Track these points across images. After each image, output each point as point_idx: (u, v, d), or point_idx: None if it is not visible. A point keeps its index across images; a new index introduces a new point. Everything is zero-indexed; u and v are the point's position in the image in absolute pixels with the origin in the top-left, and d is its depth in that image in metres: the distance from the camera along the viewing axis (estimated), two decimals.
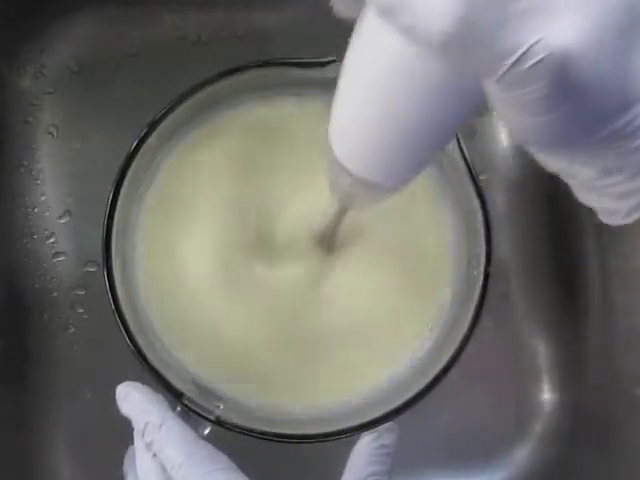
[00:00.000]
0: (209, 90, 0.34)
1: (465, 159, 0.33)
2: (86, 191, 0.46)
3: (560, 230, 0.48)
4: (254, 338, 0.36)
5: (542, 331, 0.48)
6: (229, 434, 0.32)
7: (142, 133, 0.34)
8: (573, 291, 0.48)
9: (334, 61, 0.33)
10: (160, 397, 0.32)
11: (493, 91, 0.19)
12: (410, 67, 0.20)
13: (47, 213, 0.46)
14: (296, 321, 0.37)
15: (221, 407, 0.33)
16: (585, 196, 0.24)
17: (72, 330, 0.46)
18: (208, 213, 0.37)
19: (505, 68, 0.17)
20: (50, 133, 0.47)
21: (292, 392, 0.36)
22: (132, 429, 0.32)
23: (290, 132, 0.37)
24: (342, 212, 0.32)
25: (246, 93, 0.37)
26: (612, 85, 0.18)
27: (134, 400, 0.32)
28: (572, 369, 0.48)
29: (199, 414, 0.32)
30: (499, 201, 0.48)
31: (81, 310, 0.46)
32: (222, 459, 0.31)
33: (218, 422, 0.32)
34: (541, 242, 0.48)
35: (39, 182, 0.47)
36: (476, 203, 0.34)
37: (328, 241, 0.36)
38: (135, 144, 0.33)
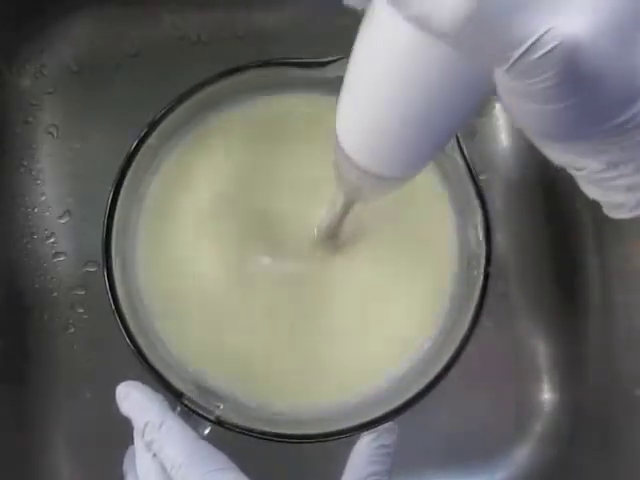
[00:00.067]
0: (209, 90, 0.34)
1: (465, 159, 0.33)
2: (86, 191, 0.46)
3: (560, 230, 0.48)
4: (254, 338, 0.36)
5: (542, 331, 0.48)
6: (229, 434, 0.32)
7: (142, 133, 0.34)
8: (573, 291, 0.48)
9: (334, 61, 0.33)
10: (160, 397, 0.32)
11: (503, 80, 0.19)
12: (420, 56, 0.20)
13: (47, 213, 0.46)
14: (297, 321, 0.37)
15: (221, 407, 0.33)
16: (591, 189, 0.24)
17: (72, 330, 0.46)
18: (209, 213, 0.37)
19: (515, 57, 0.17)
20: (50, 133, 0.47)
21: (292, 392, 0.36)
22: (132, 429, 0.33)
23: (290, 132, 0.37)
24: (348, 206, 0.32)
25: (246, 93, 0.37)
26: (621, 77, 0.18)
27: (134, 400, 0.32)
28: (572, 369, 0.48)
29: (199, 414, 0.32)
30: (499, 201, 0.48)
31: (81, 310, 0.46)
32: (222, 459, 0.31)
33: (218, 422, 0.32)
34: (541, 242, 0.48)
35: (39, 182, 0.47)
36: (476, 203, 0.34)
37: (332, 238, 0.36)
38: (135, 144, 0.33)
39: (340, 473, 0.33)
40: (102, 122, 0.47)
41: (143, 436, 0.31)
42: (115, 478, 0.34)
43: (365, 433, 0.33)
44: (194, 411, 0.32)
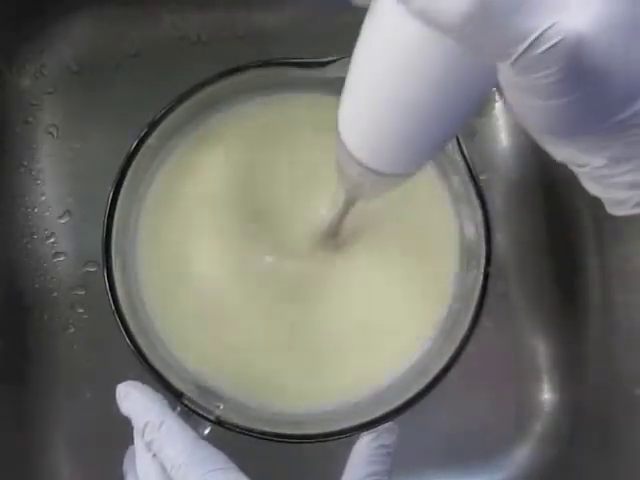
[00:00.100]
0: (209, 90, 0.34)
1: (465, 159, 0.33)
2: (86, 191, 0.46)
3: (560, 230, 0.48)
4: (254, 337, 0.36)
5: (542, 331, 0.48)
6: (229, 434, 0.32)
7: (142, 133, 0.34)
8: (573, 291, 0.48)
9: (334, 61, 0.33)
10: (160, 397, 0.32)
11: (506, 75, 0.19)
12: (424, 52, 0.20)
13: (47, 213, 0.46)
14: (297, 321, 0.37)
15: (221, 407, 0.33)
16: (592, 186, 0.24)
17: (72, 330, 0.46)
18: (209, 213, 0.37)
19: (519, 52, 0.17)
20: (50, 133, 0.47)
21: (292, 392, 0.36)
22: (132, 429, 0.33)
23: (290, 131, 0.37)
24: (349, 203, 0.32)
25: (246, 93, 0.37)
26: (624, 73, 0.18)
27: (134, 399, 0.32)
28: (572, 369, 0.48)
29: (199, 414, 0.32)
30: (499, 201, 0.48)
31: (81, 310, 0.46)
32: (222, 459, 0.31)
33: (218, 422, 0.32)
34: (541, 242, 0.48)
35: (39, 182, 0.47)
36: (476, 203, 0.34)
37: (332, 236, 0.36)
38: (135, 144, 0.33)
39: (340, 473, 0.33)
40: (102, 122, 0.47)
41: (143, 436, 0.31)
42: (115, 478, 0.34)
43: (365, 433, 0.33)
44: (194, 411, 0.32)
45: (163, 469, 0.31)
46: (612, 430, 0.45)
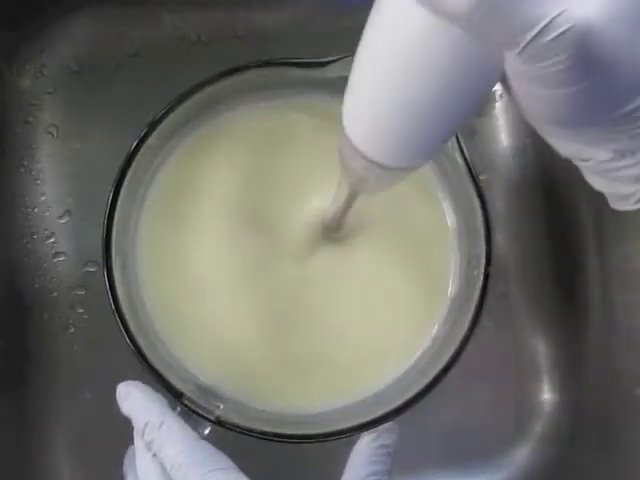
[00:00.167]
0: (209, 90, 0.34)
1: (465, 159, 0.33)
2: (86, 191, 0.46)
3: (560, 230, 0.48)
4: (255, 338, 0.36)
5: (542, 331, 0.48)
6: (229, 434, 0.32)
7: (142, 133, 0.34)
8: (573, 291, 0.48)
9: (334, 61, 0.33)
10: (160, 397, 0.32)
11: (513, 64, 0.19)
12: (432, 41, 0.20)
13: (47, 213, 0.46)
14: (297, 321, 0.37)
15: (221, 407, 0.33)
16: (596, 180, 0.24)
17: (72, 330, 0.46)
18: (209, 213, 0.37)
19: (527, 40, 0.17)
20: (50, 133, 0.47)
21: (292, 392, 0.36)
22: (132, 429, 0.32)
23: (291, 131, 0.37)
24: (352, 197, 0.32)
25: (246, 93, 0.37)
26: (632, 63, 0.18)
27: (134, 399, 0.32)
28: (572, 369, 0.48)
29: (199, 414, 0.32)
30: (499, 201, 0.48)
31: (81, 310, 0.46)
32: (222, 459, 0.31)
33: (218, 422, 0.32)
34: (541, 242, 0.48)
35: (39, 182, 0.47)
36: (476, 203, 0.34)
37: (335, 230, 0.36)
38: (135, 144, 0.33)
39: (340, 473, 0.33)
40: (102, 122, 0.47)
41: (143, 436, 0.31)
42: (115, 478, 0.34)
43: (365, 433, 0.33)
44: (194, 411, 0.32)
45: (163, 469, 0.31)
46: (612, 430, 0.45)
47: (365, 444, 0.33)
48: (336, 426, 0.33)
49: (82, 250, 0.46)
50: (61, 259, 0.46)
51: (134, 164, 0.34)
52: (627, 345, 0.44)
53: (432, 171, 0.37)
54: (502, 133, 0.49)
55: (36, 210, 0.46)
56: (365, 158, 0.25)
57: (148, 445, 0.31)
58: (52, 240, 0.46)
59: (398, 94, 0.22)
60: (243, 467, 0.31)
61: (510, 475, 0.48)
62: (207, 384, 0.35)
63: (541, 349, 0.48)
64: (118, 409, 0.33)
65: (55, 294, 0.46)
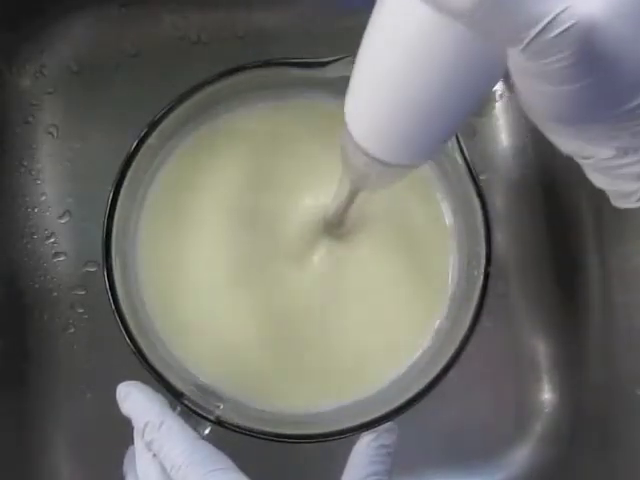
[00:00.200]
0: (209, 90, 0.34)
1: (465, 159, 0.33)
2: (86, 191, 0.46)
3: (560, 230, 0.48)
4: (255, 338, 0.36)
5: (542, 331, 0.48)
6: (229, 434, 0.32)
7: (142, 133, 0.34)
8: (573, 291, 0.48)
9: (334, 61, 0.33)
10: (160, 397, 0.32)
11: (517, 61, 0.19)
12: (435, 37, 0.20)
13: (47, 213, 0.46)
14: (297, 321, 0.37)
15: (221, 407, 0.33)
16: (598, 178, 0.23)
17: (72, 330, 0.46)
18: (209, 213, 0.37)
19: (531, 36, 0.17)
20: (50, 133, 0.47)
21: (293, 392, 0.36)
22: (132, 429, 0.32)
23: (291, 132, 0.37)
24: (353, 194, 0.32)
25: (246, 93, 0.37)
26: (635, 60, 0.18)
27: (134, 399, 0.32)
28: (572, 369, 0.48)
29: (199, 414, 0.32)
30: (499, 201, 0.48)
31: (81, 310, 0.46)
32: (222, 459, 0.31)
33: (218, 422, 0.32)
34: (541, 242, 0.48)
35: (39, 182, 0.46)
36: (476, 203, 0.34)
37: (336, 227, 0.36)
38: (135, 144, 0.33)
39: (340, 473, 0.33)
40: (102, 122, 0.46)
41: (143, 436, 0.31)
42: (115, 478, 0.34)
43: (365, 433, 0.33)
44: (194, 411, 0.32)
45: (163, 469, 0.31)
46: (612, 430, 0.45)
47: (365, 444, 0.33)
48: (336, 426, 0.33)
49: (82, 250, 0.46)
50: (61, 259, 0.46)
51: (134, 164, 0.34)
52: (627, 345, 0.44)
53: (432, 171, 0.37)
54: (502, 133, 0.49)
55: (36, 210, 0.46)
56: (367, 155, 0.25)
57: (148, 445, 0.31)
58: (52, 240, 0.46)
59: (400, 91, 0.22)
60: (243, 467, 0.31)
61: (510, 475, 0.48)
62: (207, 384, 0.35)
63: (541, 349, 0.48)
64: (118, 409, 0.33)
65: (55, 294, 0.46)
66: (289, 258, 0.37)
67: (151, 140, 0.34)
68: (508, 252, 0.48)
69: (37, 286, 0.46)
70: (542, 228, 0.48)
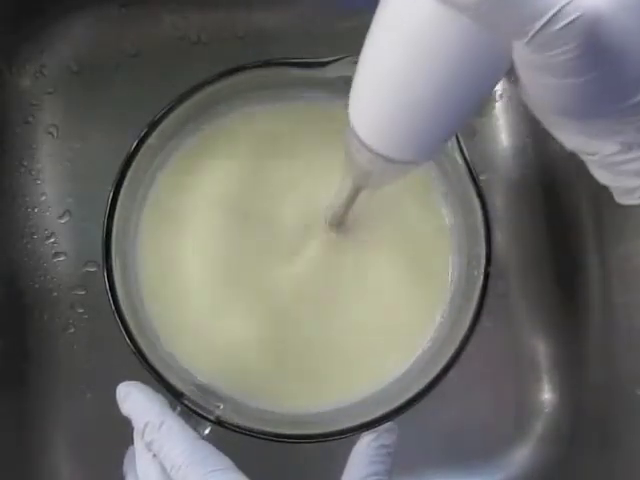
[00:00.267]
0: (209, 90, 0.34)
1: (465, 159, 0.33)
2: (86, 191, 0.46)
3: (560, 230, 0.48)
4: (255, 338, 0.36)
5: (542, 331, 0.48)
6: (229, 434, 0.32)
7: (142, 133, 0.34)
8: (573, 291, 0.48)
9: (334, 61, 0.33)
10: (160, 397, 0.32)
11: (522, 54, 0.19)
12: (440, 31, 0.20)
13: (47, 213, 0.46)
14: (296, 321, 0.37)
15: (221, 407, 0.33)
16: (601, 174, 0.23)
17: (72, 330, 0.46)
18: (209, 213, 0.37)
19: (536, 29, 0.17)
20: (50, 133, 0.47)
21: (292, 392, 0.36)
22: (132, 429, 0.32)
23: (291, 132, 0.37)
24: (356, 192, 0.32)
25: (246, 93, 0.37)
26: (639, 54, 0.18)
27: (134, 399, 0.32)
28: (572, 369, 0.48)
29: (199, 414, 0.32)
30: (499, 201, 0.48)
31: (81, 310, 0.46)
32: (222, 459, 0.31)
33: (218, 422, 0.32)
34: (541, 242, 0.48)
35: (39, 182, 0.47)
36: (476, 203, 0.34)
37: (337, 225, 0.36)
38: (135, 144, 0.33)
39: (340, 473, 0.33)
40: (102, 122, 0.47)
41: (143, 436, 0.31)
42: (115, 478, 0.34)
43: (365, 433, 0.33)
44: (194, 411, 0.32)
45: (163, 469, 0.31)
46: (612, 430, 0.45)
47: (365, 444, 0.33)
48: (336, 426, 0.33)
49: (82, 250, 0.46)
50: (61, 259, 0.46)
51: (134, 164, 0.34)
52: (627, 345, 0.44)
53: (432, 171, 0.37)
54: (502, 133, 0.49)
55: (36, 210, 0.46)
56: (371, 151, 0.25)
57: (148, 445, 0.31)
58: (52, 240, 0.46)
59: (405, 86, 0.22)
60: (243, 467, 0.31)
61: (510, 475, 0.48)
62: (207, 384, 0.35)
63: (541, 349, 0.48)
64: (118, 409, 0.33)
65: (55, 294, 0.46)
66: (288, 258, 0.37)
67: (151, 140, 0.34)
68: (508, 252, 0.48)
69: (37, 286, 0.46)
70: (542, 228, 0.48)
